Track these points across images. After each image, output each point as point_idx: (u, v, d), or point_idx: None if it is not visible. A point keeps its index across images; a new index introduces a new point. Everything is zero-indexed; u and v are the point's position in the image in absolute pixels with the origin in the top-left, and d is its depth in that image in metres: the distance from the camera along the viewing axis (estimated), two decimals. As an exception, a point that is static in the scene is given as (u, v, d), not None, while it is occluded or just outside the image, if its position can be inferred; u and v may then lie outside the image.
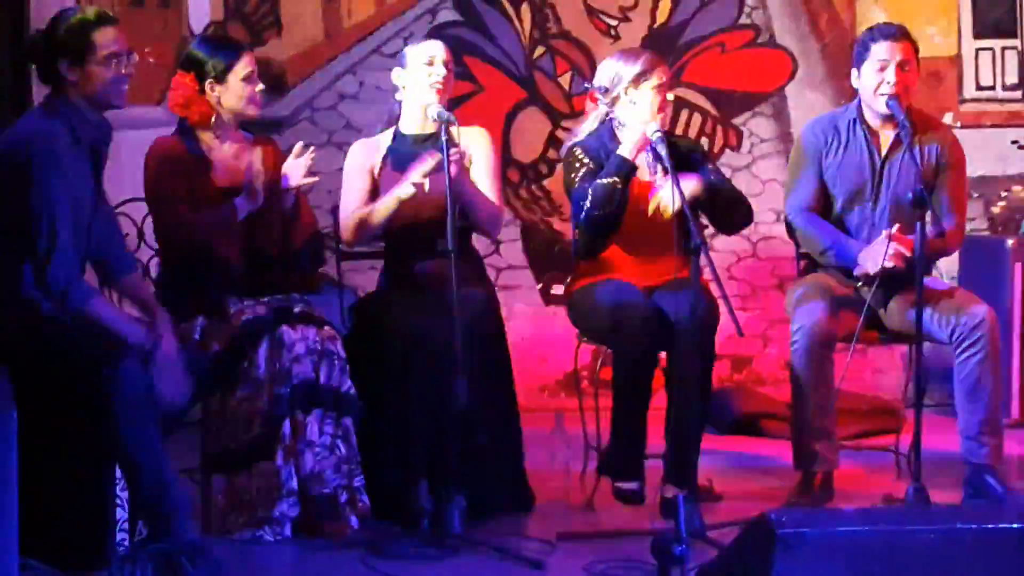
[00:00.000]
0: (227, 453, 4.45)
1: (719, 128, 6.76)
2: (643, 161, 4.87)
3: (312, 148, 4.65)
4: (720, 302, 4.49)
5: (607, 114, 4.95)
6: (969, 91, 6.83)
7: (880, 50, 4.92)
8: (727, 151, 6.75)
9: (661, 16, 6.71)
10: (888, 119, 4.96)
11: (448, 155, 4.45)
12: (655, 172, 4.87)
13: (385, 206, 4.76)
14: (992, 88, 6.85)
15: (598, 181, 4.76)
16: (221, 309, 4.48)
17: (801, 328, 4.80)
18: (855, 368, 6.25)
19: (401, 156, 4.86)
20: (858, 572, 3.28)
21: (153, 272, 4.75)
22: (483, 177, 4.89)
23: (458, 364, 4.26)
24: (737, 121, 6.76)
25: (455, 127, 4.59)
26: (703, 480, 4.85)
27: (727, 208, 4.89)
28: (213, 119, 4.60)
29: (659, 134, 4.71)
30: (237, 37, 4.73)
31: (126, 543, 4.06)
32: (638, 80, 4.86)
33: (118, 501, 4.02)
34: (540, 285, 6.70)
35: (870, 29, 5.06)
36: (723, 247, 6.58)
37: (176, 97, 4.58)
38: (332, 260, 5.39)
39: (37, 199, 3.90)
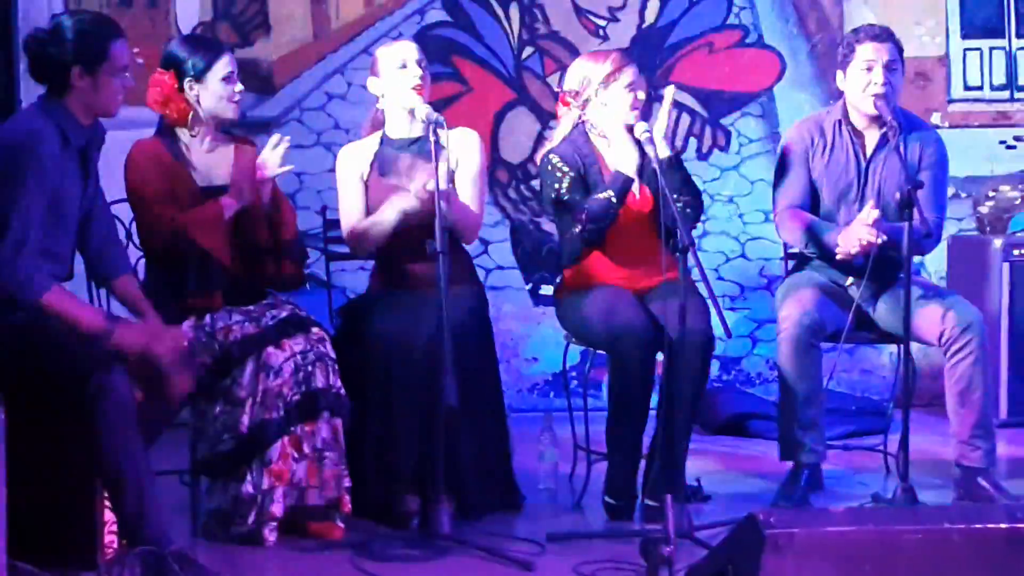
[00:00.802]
0: (207, 461, 4.45)
1: (708, 128, 6.77)
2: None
3: (287, 138, 4.62)
4: (708, 303, 4.49)
5: (579, 118, 4.93)
6: (957, 91, 6.85)
7: (866, 51, 4.93)
8: (715, 151, 6.76)
9: (649, 16, 6.72)
10: (874, 120, 4.96)
11: (437, 156, 4.44)
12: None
13: (388, 219, 4.74)
14: (980, 88, 6.87)
15: (594, 196, 4.75)
16: (210, 304, 4.48)
17: (789, 317, 4.80)
18: (843, 368, 6.28)
19: (389, 161, 4.85)
20: (846, 572, 3.28)
21: (140, 274, 4.73)
22: (467, 181, 4.87)
23: (447, 363, 4.26)
24: (725, 121, 6.78)
25: (444, 129, 4.57)
26: (691, 481, 4.86)
27: (685, 190, 4.83)
28: (191, 118, 4.59)
29: (647, 134, 4.69)
30: (219, 38, 4.69)
31: (114, 545, 4.05)
32: (608, 80, 4.84)
33: (106, 504, 4.01)
34: (529, 286, 6.71)
35: (855, 30, 5.07)
36: (711, 247, 6.59)
37: (154, 94, 4.57)
38: (321, 261, 5.39)
39: (11, 194, 3.90)
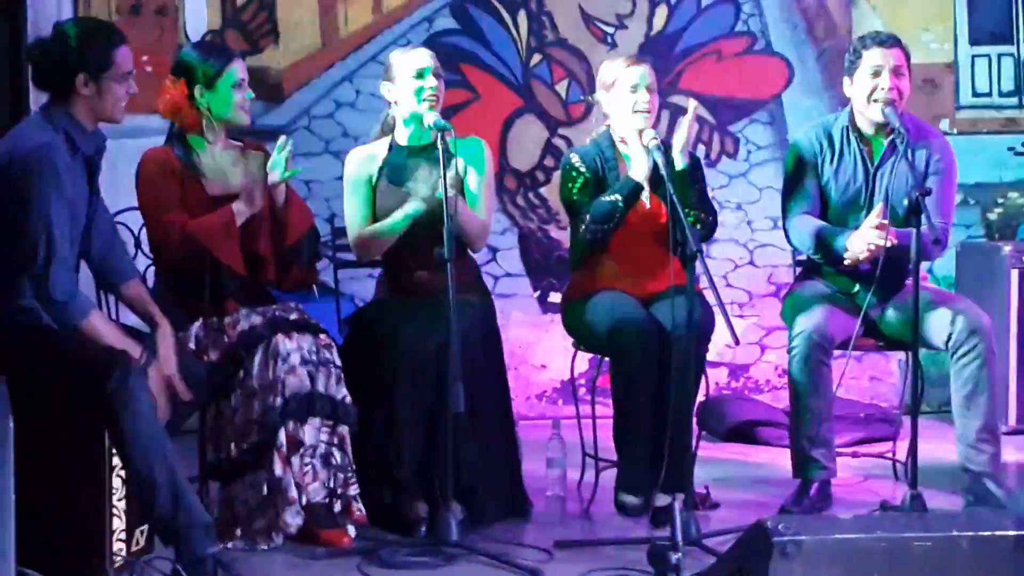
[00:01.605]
0: (222, 463, 4.45)
1: (716, 135, 6.77)
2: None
3: (290, 140, 4.60)
4: (716, 310, 4.49)
5: (607, 121, 4.97)
6: (965, 98, 6.84)
7: (873, 57, 4.93)
8: (724, 158, 6.76)
9: (658, 23, 6.72)
10: (881, 126, 4.96)
11: (445, 164, 4.45)
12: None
13: (396, 225, 4.75)
14: (988, 95, 6.86)
15: (601, 198, 4.77)
16: (223, 310, 4.48)
17: (800, 334, 4.80)
18: (852, 375, 6.27)
19: (397, 168, 4.85)
20: (854, 579, 3.28)
21: (149, 282, 4.74)
22: (476, 188, 4.88)
23: (455, 370, 4.26)
24: (734, 128, 6.77)
25: (451, 136, 4.58)
26: (700, 488, 4.86)
27: (700, 206, 4.85)
28: (203, 125, 4.60)
29: (656, 141, 4.71)
30: (229, 45, 4.69)
31: (123, 553, 4.06)
32: (611, 84, 4.87)
33: (115, 511, 4.01)
34: (537, 293, 6.70)
35: (861, 37, 5.07)
36: (720, 254, 6.59)
37: (165, 102, 4.58)
38: (329, 268, 5.40)
39: (36, 212, 3.90)
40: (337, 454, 4.46)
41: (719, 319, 4.39)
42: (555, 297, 6.52)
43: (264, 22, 6.49)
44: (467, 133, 4.96)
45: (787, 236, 5.11)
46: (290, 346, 4.42)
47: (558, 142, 6.62)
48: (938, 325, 4.82)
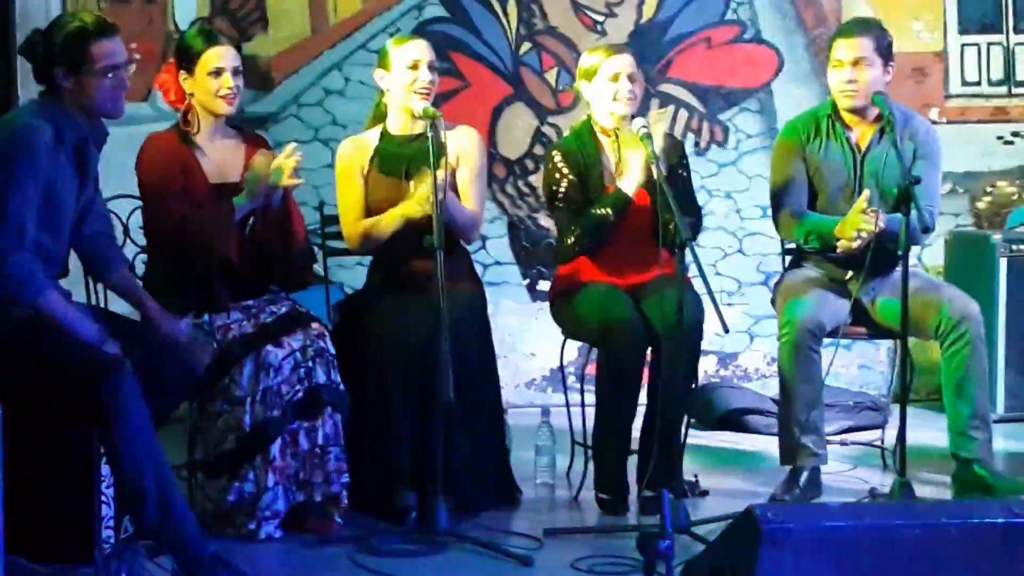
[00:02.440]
0: (208, 461, 4.46)
1: (705, 124, 6.76)
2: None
3: (299, 151, 4.55)
4: (706, 298, 4.49)
5: (588, 113, 4.96)
6: (954, 87, 6.85)
7: (837, 48, 4.94)
8: (713, 147, 6.76)
9: (648, 11, 6.71)
10: (861, 114, 4.96)
11: (434, 150, 4.44)
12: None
13: (391, 222, 4.74)
14: (977, 84, 6.87)
15: (591, 211, 4.76)
16: (217, 305, 4.48)
17: (790, 322, 4.80)
18: (841, 363, 6.28)
19: (388, 157, 4.84)
20: (844, 567, 3.28)
21: (139, 270, 4.73)
22: (467, 179, 4.87)
23: (446, 358, 4.25)
24: (723, 117, 6.77)
25: (442, 124, 4.56)
26: (689, 476, 4.86)
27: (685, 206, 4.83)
28: (199, 113, 4.58)
29: (646, 129, 4.69)
30: (219, 31, 4.67)
31: (112, 540, 4.05)
32: (592, 73, 4.86)
33: (104, 498, 4.01)
34: (527, 281, 6.71)
35: (838, 27, 5.06)
36: (709, 243, 6.59)
37: (159, 80, 4.61)
38: (319, 256, 5.39)
39: (3, 186, 3.89)
40: (331, 444, 4.46)
41: (709, 308, 4.39)
42: (544, 285, 6.52)
43: (253, 9, 6.48)
44: (457, 121, 4.96)
45: (777, 227, 5.11)
46: (281, 355, 4.40)
47: (548, 130, 6.62)
48: (927, 313, 4.82)
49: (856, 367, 6.71)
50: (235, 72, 4.58)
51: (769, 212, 5.15)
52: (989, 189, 6.87)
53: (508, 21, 6.65)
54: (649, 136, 4.65)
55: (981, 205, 6.86)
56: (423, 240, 4.38)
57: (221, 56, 4.55)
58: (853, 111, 4.96)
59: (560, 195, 4.84)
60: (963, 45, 6.84)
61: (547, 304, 5.09)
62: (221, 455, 4.41)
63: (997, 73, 6.86)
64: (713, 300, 4.29)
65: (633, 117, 4.79)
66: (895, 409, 4.80)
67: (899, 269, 4.60)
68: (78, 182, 4.10)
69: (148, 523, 3.86)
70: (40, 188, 3.94)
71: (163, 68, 4.62)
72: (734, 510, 4.11)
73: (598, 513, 4.74)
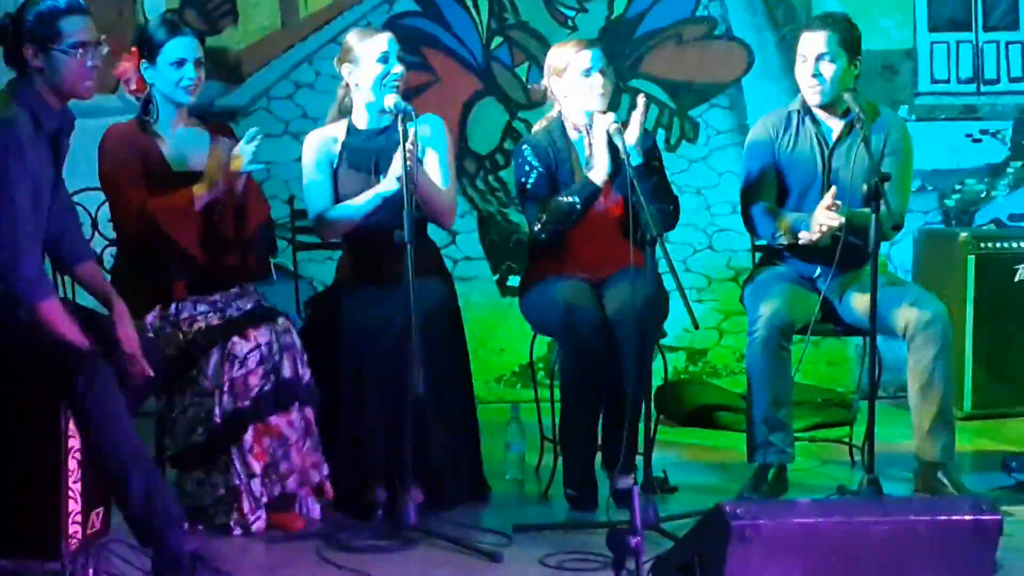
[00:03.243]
0: (179, 455, 4.45)
1: (676, 120, 6.77)
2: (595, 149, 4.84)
3: (261, 133, 4.52)
4: (675, 294, 4.49)
5: (557, 110, 4.94)
6: (924, 84, 6.87)
7: (802, 43, 4.96)
8: (684, 143, 6.76)
9: (618, 7, 6.71)
10: (831, 109, 4.97)
11: (405, 146, 4.42)
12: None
13: (367, 205, 4.71)
14: (947, 81, 6.89)
15: (558, 198, 4.75)
16: (173, 294, 4.45)
17: (761, 318, 4.80)
18: (809, 360, 6.29)
19: (356, 151, 4.82)
20: (812, 563, 3.29)
21: (107, 263, 4.70)
22: (437, 167, 4.84)
23: (415, 353, 4.24)
24: (694, 113, 6.78)
25: (412, 119, 4.54)
26: (658, 472, 4.86)
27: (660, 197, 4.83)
28: (159, 103, 4.55)
29: (616, 126, 4.69)
30: (183, 22, 4.65)
31: (79, 535, 4.03)
32: (563, 69, 4.85)
33: (71, 493, 3.98)
34: (497, 276, 6.70)
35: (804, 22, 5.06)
36: (679, 239, 6.60)
37: (119, 68, 4.56)
38: (288, 251, 5.37)
39: (5, 189, 3.85)
40: (305, 437, 4.45)
41: (679, 304, 4.38)
42: (515, 280, 6.51)
43: (223, 2, 6.45)
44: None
45: (746, 224, 5.12)
46: (247, 347, 4.39)
47: (518, 125, 6.61)
48: (895, 314, 4.83)
49: (825, 363, 6.73)
50: (197, 64, 4.55)
51: (739, 208, 5.15)
52: (958, 187, 6.89)
53: (479, 15, 6.65)
54: (619, 132, 4.64)
55: (950, 203, 6.88)
56: (393, 235, 4.36)
57: (184, 47, 4.53)
58: (822, 107, 4.97)
59: (529, 187, 4.83)
60: (933, 43, 6.86)
61: (517, 300, 5.08)
62: (190, 448, 4.40)
63: (966, 71, 6.89)
64: (683, 295, 4.30)
65: (604, 112, 4.79)
66: (863, 406, 4.80)
67: (868, 267, 4.61)
68: (52, 172, 4.07)
69: (133, 515, 3.84)
70: (29, 180, 3.91)
71: (124, 57, 4.57)
72: (703, 506, 4.12)
73: (567, 509, 4.74)
